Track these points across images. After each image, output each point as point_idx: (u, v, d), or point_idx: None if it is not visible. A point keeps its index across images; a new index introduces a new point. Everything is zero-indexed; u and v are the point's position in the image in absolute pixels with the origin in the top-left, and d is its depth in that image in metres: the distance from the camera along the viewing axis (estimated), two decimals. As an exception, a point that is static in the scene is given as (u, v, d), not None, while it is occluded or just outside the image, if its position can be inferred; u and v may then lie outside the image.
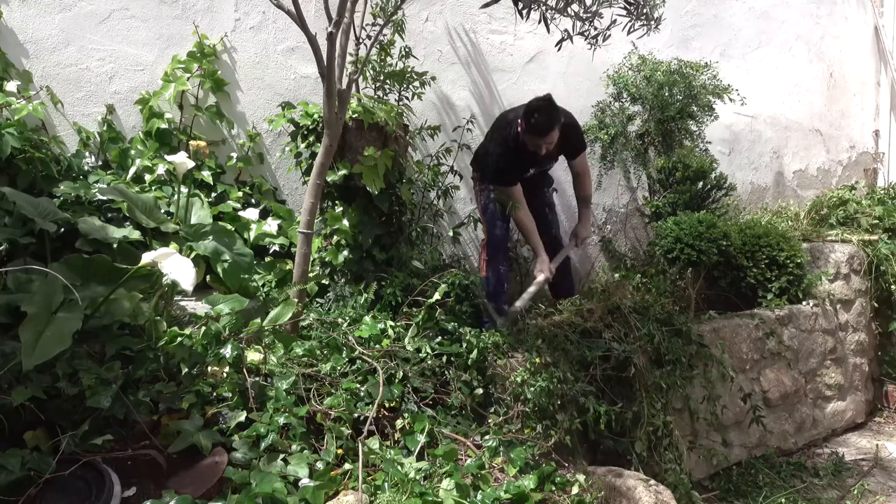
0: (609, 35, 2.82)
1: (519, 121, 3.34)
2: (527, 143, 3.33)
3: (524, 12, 2.51)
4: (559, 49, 2.92)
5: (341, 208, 3.31)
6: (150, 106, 3.42)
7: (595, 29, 2.77)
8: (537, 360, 2.85)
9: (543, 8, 2.61)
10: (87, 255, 2.46)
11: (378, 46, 3.56)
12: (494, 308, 3.43)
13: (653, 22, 2.75)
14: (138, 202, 2.89)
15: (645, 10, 2.70)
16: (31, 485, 1.87)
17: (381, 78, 3.61)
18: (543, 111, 3.21)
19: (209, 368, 2.44)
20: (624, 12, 2.74)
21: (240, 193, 3.52)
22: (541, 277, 3.51)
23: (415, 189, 3.69)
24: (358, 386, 2.52)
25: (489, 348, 2.87)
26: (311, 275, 3.12)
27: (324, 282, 3.32)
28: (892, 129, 6.89)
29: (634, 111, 4.62)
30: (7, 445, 1.93)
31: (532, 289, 3.50)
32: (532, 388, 2.72)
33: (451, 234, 3.93)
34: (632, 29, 2.79)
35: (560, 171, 4.08)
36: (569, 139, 3.51)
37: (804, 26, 6.22)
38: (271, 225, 3.47)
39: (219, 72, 3.60)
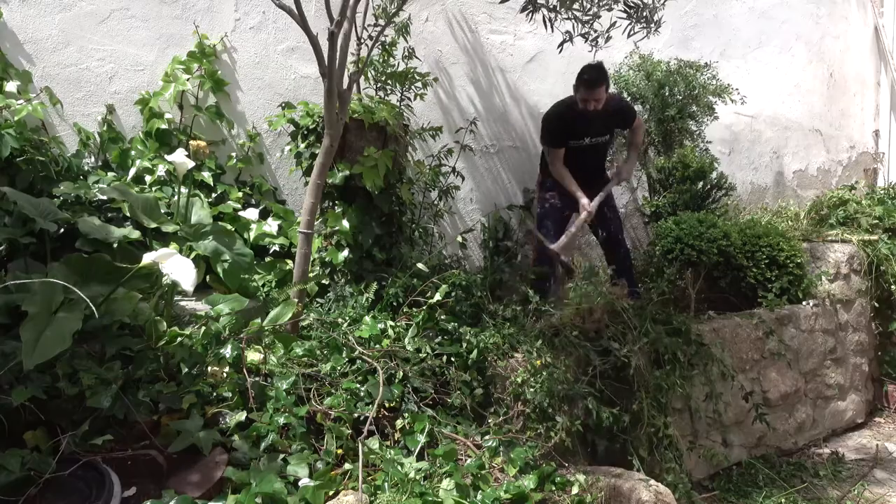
0: (610, 37, 2.83)
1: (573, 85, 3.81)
2: (578, 101, 3.76)
3: (527, 14, 2.52)
4: (560, 52, 2.93)
5: (341, 208, 3.31)
6: (150, 106, 3.41)
7: (595, 31, 2.78)
8: (538, 361, 2.85)
9: (545, 10, 2.62)
10: (87, 255, 2.46)
11: (380, 47, 3.56)
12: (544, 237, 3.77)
13: (653, 24, 2.75)
14: (139, 202, 2.89)
15: (645, 13, 2.71)
16: (31, 485, 1.87)
17: (383, 78, 3.62)
18: (594, 69, 3.69)
19: (209, 368, 2.44)
20: (624, 15, 2.75)
21: (240, 193, 3.52)
22: (583, 215, 3.76)
23: (415, 189, 3.69)
24: (358, 386, 2.52)
25: (489, 348, 2.87)
26: (311, 275, 3.11)
27: (324, 282, 3.32)
28: (892, 129, 6.89)
29: (634, 111, 4.62)
30: (7, 445, 1.93)
31: (573, 229, 3.72)
32: (532, 389, 2.72)
33: (459, 240, 3.94)
34: (632, 31, 2.80)
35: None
36: (624, 117, 4.01)
37: (804, 26, 6.22)
38: (271, 225, 3.47)
39: (219, 72, 3.60)
